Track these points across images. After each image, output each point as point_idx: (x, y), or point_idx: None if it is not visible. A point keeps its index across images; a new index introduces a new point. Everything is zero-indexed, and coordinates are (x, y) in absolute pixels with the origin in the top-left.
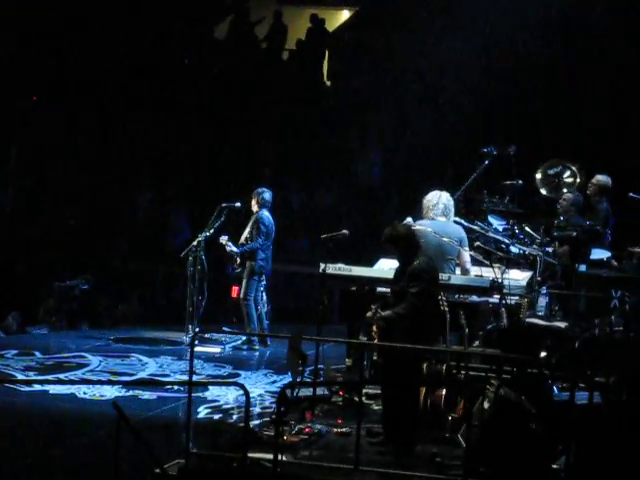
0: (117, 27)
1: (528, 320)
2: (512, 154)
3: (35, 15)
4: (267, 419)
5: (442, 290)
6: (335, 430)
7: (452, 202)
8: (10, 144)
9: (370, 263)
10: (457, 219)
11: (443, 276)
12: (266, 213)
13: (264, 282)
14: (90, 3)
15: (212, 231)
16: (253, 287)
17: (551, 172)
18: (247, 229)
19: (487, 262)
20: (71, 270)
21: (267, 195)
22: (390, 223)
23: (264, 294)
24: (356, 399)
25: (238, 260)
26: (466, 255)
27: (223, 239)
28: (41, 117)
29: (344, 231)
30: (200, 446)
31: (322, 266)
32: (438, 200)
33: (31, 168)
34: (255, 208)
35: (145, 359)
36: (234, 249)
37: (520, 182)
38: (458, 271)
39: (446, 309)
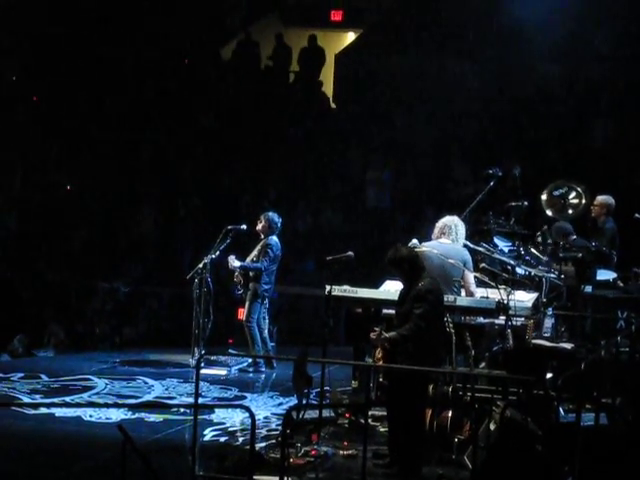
0: (125, 45)
1: (534, 341)
2: (517, 175)
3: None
4: (273, 441)
5: (448, 311)
6: (341, 452)
7: (461, 225)
8: (15, 164)
9: (376, 285)
10: (465, 242)
11: (449, 298)
12: (275, 239)
13: (267, 305)
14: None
15: (218, 253)
16: (256, 310)
17: (556, 193)
18: (254, 252)
19: (493, 284)
20: (76, 293)
21: (277, 219)
22: (393, 245)
23: (267, 317)
24: (362, 421)
25: (241, 280)
26: (470, 277)
27: (230, 258)
28: (45, 135)
29: (349, 253)
30: (206, 469)
31: (328, 288)
32: (447, 223)
33: (36, 189)
34: (262, 230)
35: (151, 382)
36: (235, 264)
37: (526, 203)
38: (463, 293)
39: (452, 330)
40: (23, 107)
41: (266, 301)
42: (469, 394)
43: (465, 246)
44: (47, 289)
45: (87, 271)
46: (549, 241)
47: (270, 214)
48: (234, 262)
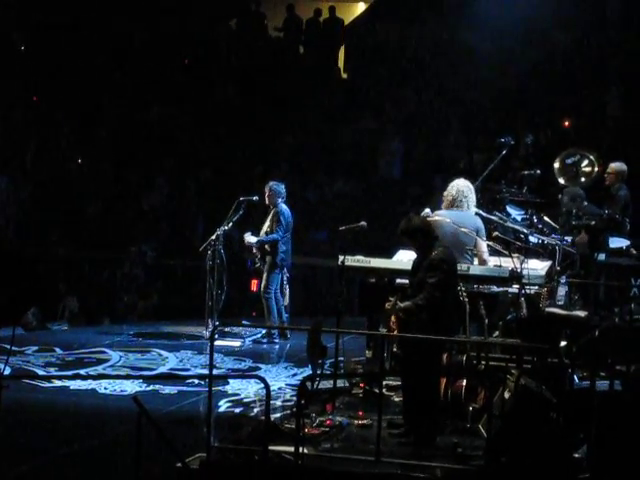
0: (137, 18)
1: (548, 310)
2: (529, 144)
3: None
4: (288, 412)
5: (461, 280)
6: (356, 422)
7: (472, 191)
8: (29, 138)
9: (389, 254)
10: (476, 209)
11: (462, 266)
12: (284, 206)
13: (286, 275)
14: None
15: (230, 225)
16: (274, 280)
17: (569, 161)
18: (267, 223)
19: (506, 252)
20: (90, 266)
21: (281, 188)
22: (406, 215)
23: (287, 287)
24: (376, 391)
25: (258, 254)
26: (483, 245)
27: (246, 235)
28: (59, 111)
29: (362, 223)
30: (221, 440)
31: (341, 258)
32: (456, 190)
33: (49, 163)
34: (269, 201)
35: (165, 354)
36: (252, 240)
37: (538, 172)
38: (476, 261)
39: (466, 299)
40: (35, 81)
41: (284, 270)
42: (483, 363)
43: (478, 214)
44: (61, 262)
45: (100, 244)
46: (563, 209)
47: (272, 183)
48: (250, 238)
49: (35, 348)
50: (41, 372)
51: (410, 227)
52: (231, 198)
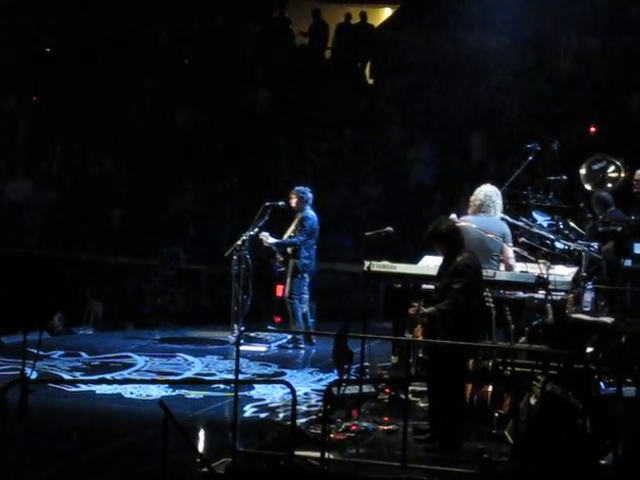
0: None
1: (574, 316)
2: (556, 149)
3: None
4: (313, 417)
5: (487, 286)
6: (381, 427)
7: (499, 197)
8: (54, 143)
9: (415, 260)
10: (502, 215)
11: (488, 272)
12: (311, 212)
13: (308, 280)
14: None
15: (256, 230)
16: (297, 285)
17: (595, 167)
18: (291, 227)
19: (532, 258)
20: (115, 270)
21: (307, 192)
22: (434, 220)
23: (307, 293)
24: (402, 396)
25: (281, 258)
26: (509, 251)
27: (263, 235)
28: (84, 114)
29: (388, 228)
30: (247, 445)
31: (367, 263)
32: (483, 195)
33: (74, 168)
34: (295, 206)
35: (191, 359)
36: (271, 241)
37: (564, 177)
38: (502, 267)
39: (492, 305)
40: (59, 85)
41: (306, 275)
42: (509, 369)
43: (504, 220)
44: (86, 267)
45: (126, 249)
46: (589, 215)
47: (299, 188)
48: (268, 239)
49: (61, 352)
50: (67, 376)
51: (437, 232)
52: (257, 203)
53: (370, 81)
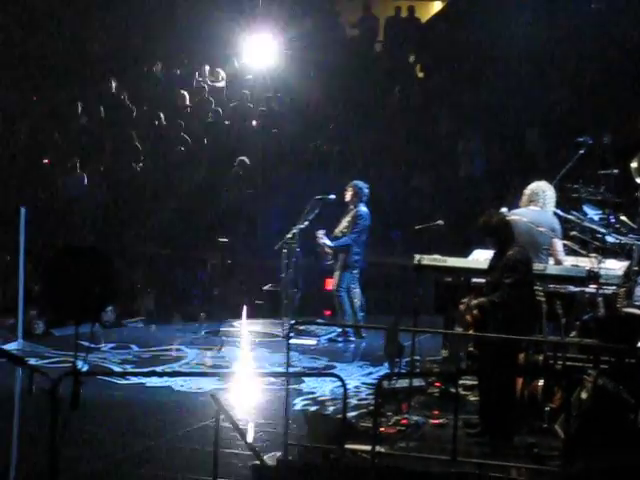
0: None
1: (625, 310)
2: (607, 143)
3: None
4: (364, 410)
5: (538, 280)
6: (432, 421)
7: (551, 190)
8: (104, 139)
9: (465, 254)
10: (553, 209)
11: (538, 266)
12: (364, 208)
13: (357, 275)
14: None
15: (306, 223)
16: (346, 279)
17: None
18: (343, 223)
19: (583, 252)
20: (167, 264)
21: (365, 190)
22: (485, 213)
23: (358, 287)
24: (452, 390)
25: (329, 251)
26: (559, 245)
27: (319, 233)
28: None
29: (439, 221)
30: (297, 438)
31: (417, 257)
32: (535, 186)
33: (125, 161)
34: (350, 200)
35: (242, 351)
36: (327, 242)
37: (616, 171)
38: (551, 260)
39: (542, 299)
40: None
41: (356, 271)
42: (560, 363)
43: (555, 214)
44: (137, 259)
45: (176, 241)
46: None
47: (357, 182)
48: (324, 239)
49: (112, 345)
50: (117, 369)
51: (489, 225)
52: (306, 196)
53: (420, 74)
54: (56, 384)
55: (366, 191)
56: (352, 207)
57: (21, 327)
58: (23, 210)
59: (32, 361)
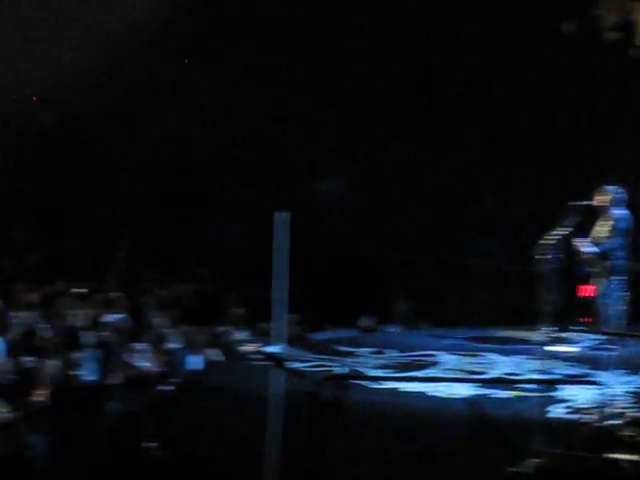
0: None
1: None
2: None
3: None
4: (625, 420)
5: None
6: None
7: None
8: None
9: None
10: None
11: None
12: (623, 212)
13: (622, 281)
14: None
15: (564, 230)
16: (609, 286)
17: None
18: (603, 228)
19: None
20: (423, 268)
21: (617, 191)
22: None
23: (623, 293)
24: None
25: (594, 260)
26: None
27: (579, 242)
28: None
29: None
30: (554, 445)
31: None
32: None
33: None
34: (604, 206)
35: (497, 358)
36: (588, 249)
37: None
38: None
39: None
40: None
41: (620, 277)
42: None
43: None
44: (394, 265)
45: (433, 247)
46: None
47: (609, 187)
48: (585, 247)
49: (368, 350)
50: (372, 373)
51: None
52: (559, 202)
53: None
54: (318, 388)
55: (622, 196)
56: (607, 212)
57: (282, 331)
58: (282, 215)
59: (296, 365)
